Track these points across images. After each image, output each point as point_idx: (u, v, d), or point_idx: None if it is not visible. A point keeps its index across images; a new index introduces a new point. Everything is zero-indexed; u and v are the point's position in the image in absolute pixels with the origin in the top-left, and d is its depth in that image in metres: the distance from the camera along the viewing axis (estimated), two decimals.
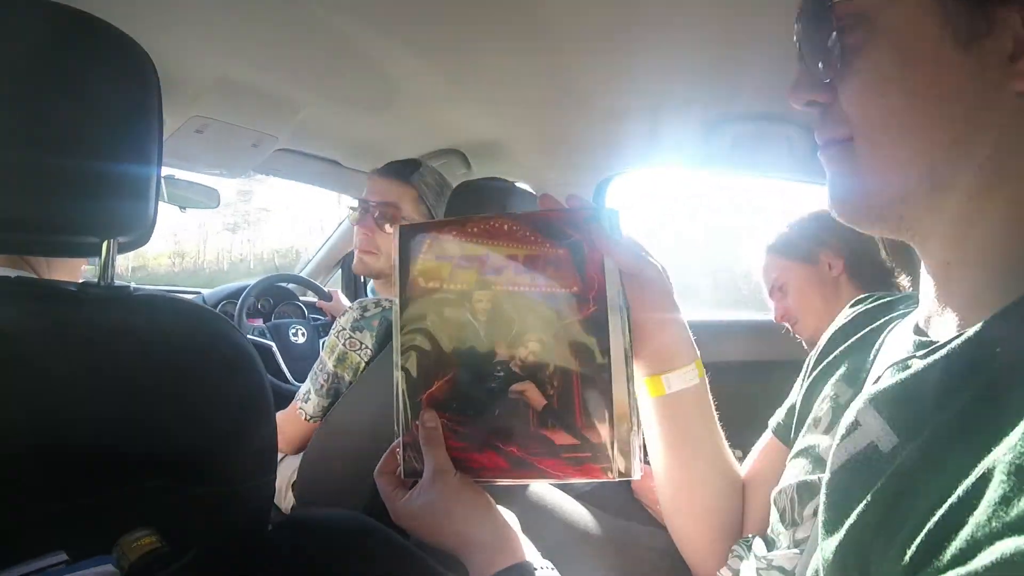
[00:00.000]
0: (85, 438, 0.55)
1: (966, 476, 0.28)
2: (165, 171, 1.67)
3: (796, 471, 0.53)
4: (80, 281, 0.69)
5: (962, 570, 0.25)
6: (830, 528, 0.36)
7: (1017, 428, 0.28)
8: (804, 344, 1.27)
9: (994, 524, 0.25)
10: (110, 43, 0.57)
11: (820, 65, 0.41)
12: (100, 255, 0.59)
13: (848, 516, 0.35)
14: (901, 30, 0.37)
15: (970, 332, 0.35)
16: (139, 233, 0.61)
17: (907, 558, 0.30)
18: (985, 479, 0.27)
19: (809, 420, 0.55)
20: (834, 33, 0.39)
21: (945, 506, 0.29)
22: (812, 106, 0.43)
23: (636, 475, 0.49)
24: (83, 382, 0.56)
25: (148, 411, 0.59)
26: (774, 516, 0.54)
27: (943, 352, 0.36)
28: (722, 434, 0.64)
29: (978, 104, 0.36)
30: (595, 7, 0.89)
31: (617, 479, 0.49)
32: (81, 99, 0.55)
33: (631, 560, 0.75)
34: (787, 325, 1.29)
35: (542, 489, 0.84)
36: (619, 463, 0.49)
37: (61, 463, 0.54)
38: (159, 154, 0.61)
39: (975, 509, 0.27)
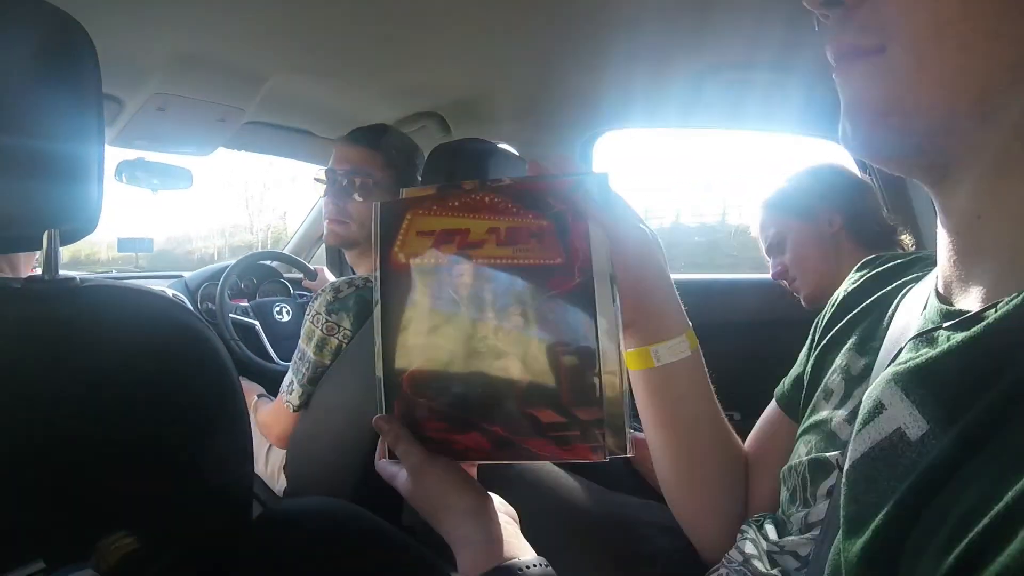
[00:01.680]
0: (43, 439, 0.53)
1: (1014, 479, 0.24)
2: (135, 154, 1.62)
3: (807, 447, 0.50)
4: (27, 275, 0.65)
5: None
6: (854, 527, 0.32)
7: None
8: (802, 301, 1.24)
9: None
10: (34, 15, 0.52)
11: None
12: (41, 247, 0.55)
13: (875, 514, 0.31)
14: None
15: (1014, 303, 0.30)
16: (83, 220, 0.57)
17: (944, 568, 0.26)
18: None
19: (819, 393, 0.51)
20: None
21: (990, 514, 0.24)
22: (830, 7, 0.35)
23: (628, 452, 0.47)
24: (36, 381, 0.53)
25: (107, 407, 0.56)
26: (783, 496, 0.51)
27: (980, 326, 0.31)
28: (720, 408, 0.61)
29: None
30: None
31: (607, 458, 0.47)
32: (2, 75, 0.50)
33: (631, 538, 0.73)
34: (784, 282, 1.26)
35: (537, 468, 0.81)
36: (610, 441, 0.46)
37: (25, 466, 0.52)
38: (101, 133, 0.56)
39: None
